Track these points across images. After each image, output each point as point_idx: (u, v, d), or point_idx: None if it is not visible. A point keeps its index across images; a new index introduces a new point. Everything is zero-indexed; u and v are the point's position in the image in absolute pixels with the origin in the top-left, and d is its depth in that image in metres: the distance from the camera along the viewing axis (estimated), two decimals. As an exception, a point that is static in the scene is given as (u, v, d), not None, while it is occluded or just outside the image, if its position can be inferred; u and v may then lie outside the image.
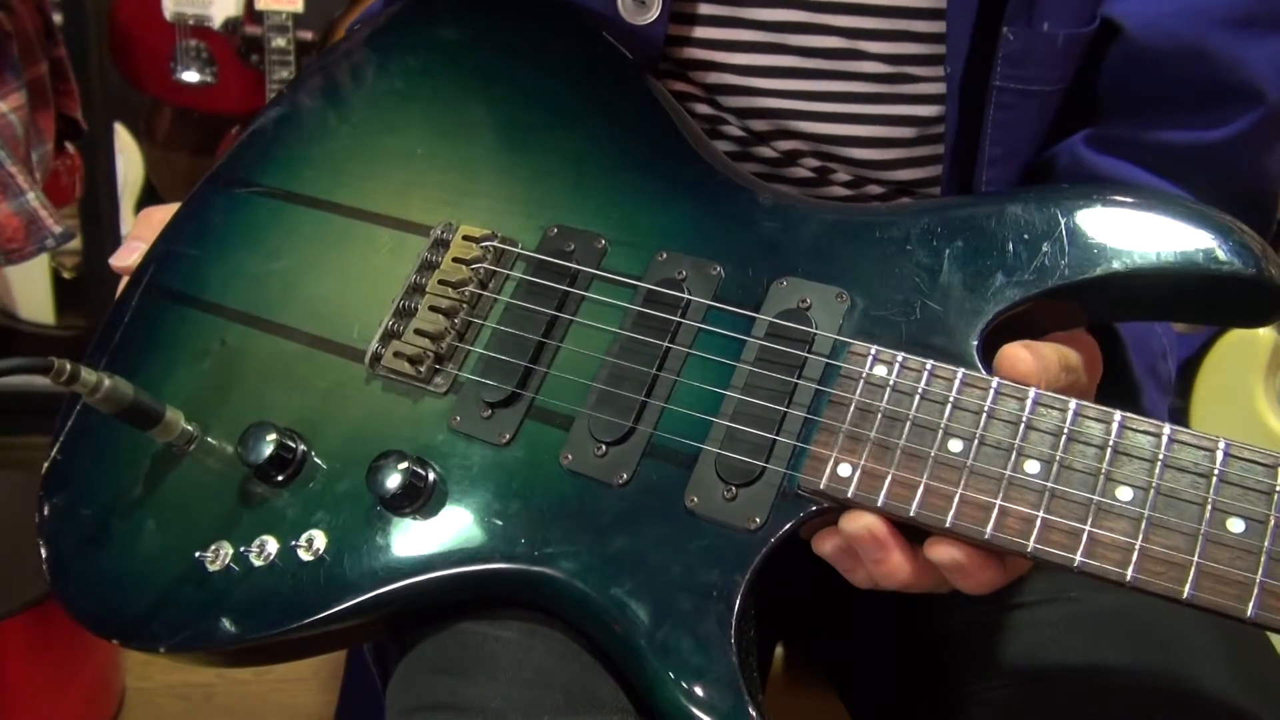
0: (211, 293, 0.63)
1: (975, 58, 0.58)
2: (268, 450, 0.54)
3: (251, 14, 1.99)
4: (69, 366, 0.51)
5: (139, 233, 0.67)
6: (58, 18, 1.57)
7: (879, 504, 0.45)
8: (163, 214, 0.67)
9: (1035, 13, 0.56)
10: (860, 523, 0.45)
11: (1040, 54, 0.57)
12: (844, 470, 0.46)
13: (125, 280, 0.66)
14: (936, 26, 0.60)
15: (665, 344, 0.52)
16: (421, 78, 0.66)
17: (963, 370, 0.46)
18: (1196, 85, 0.57)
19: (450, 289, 0.57)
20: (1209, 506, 0.41)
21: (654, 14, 0.61)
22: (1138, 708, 0.51)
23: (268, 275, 0.62)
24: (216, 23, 2.01)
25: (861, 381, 0.48)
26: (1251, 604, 0.39)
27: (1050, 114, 0.60)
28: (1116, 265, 0.46)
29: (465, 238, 0.59)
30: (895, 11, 0.60)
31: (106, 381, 0.53)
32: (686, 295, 0.53)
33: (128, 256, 0.66)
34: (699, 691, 0.45)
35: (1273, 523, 0.40)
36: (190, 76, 2.06)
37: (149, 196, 2.11)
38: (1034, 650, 0.56)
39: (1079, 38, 0.57)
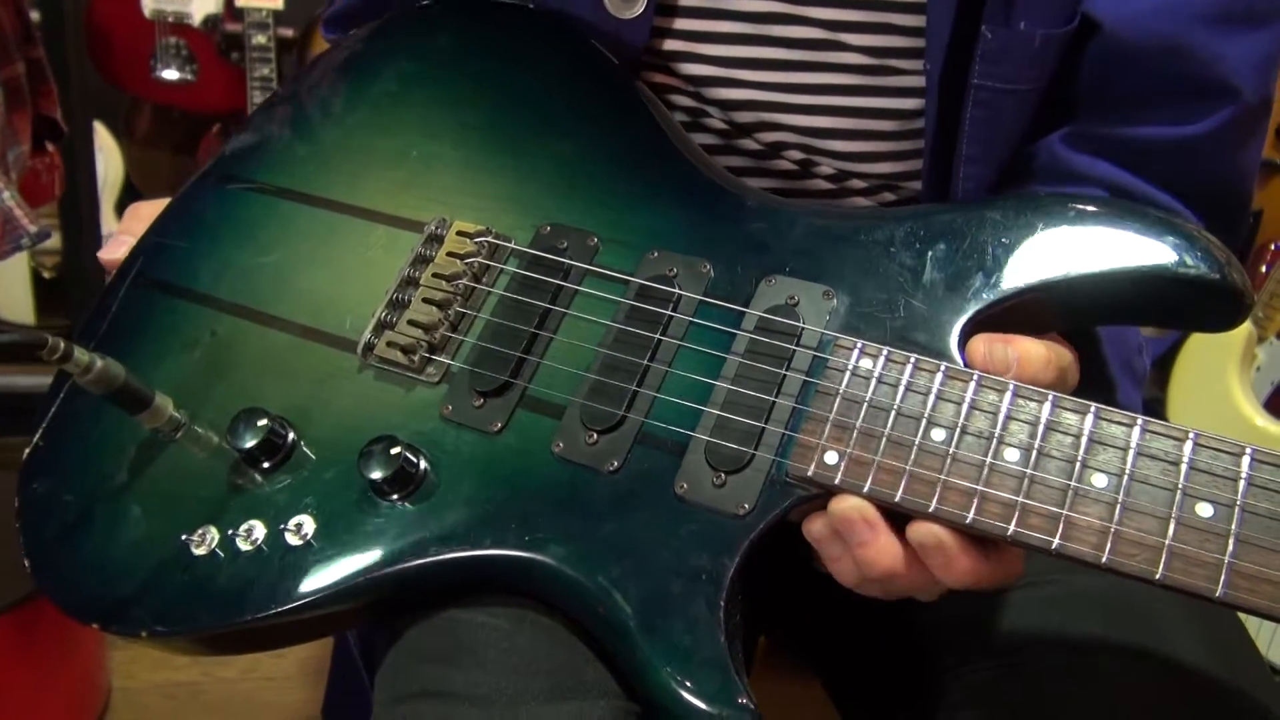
0: (202, 284, 0.63)
1: (954, 54, 0.59)
2: (258, 435, 0.54)
3: (231, 11, 1.99)
4: (63, 344, 0.51)
5: (127, 227, 0.67)
6: (35, 15, 1.56)
7: (865, 490, 0.46)
8: (151, 209, 0.67)
9: (1013, 12, 0.57)
10: (849, 503, 0.46)
11: (1018, 53, 0.58)
12: (831, 458, 0.47)
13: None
14: (918, 20, 0.61)
15: (657, 336, 0.54)
16: (416, 82, 0.67)
17: (945, 363, 0.48)
18: (1174, 82, 0.58)
19: (444, 282, 0.58)
20: (1179, 492, 0.43)
21: (639, 7, 0.62)
22: (1115, 683, 0.53)
23: (259, 268, 0.63)
24: (196, 20, 2.00)
25: (848, 373, 0.49)
26: (1220, 584, 0.41)
27: (1027, 113, 0.61)
28: (1089, 269, 0.49)
29: (459, 233, 0.59)
30: (876, 3, 0.61)
31: (99, 362, 0.53)
32: (678, 291, 0.55)
33: (116, 250, 0.66)
34: (687, 673, 0.46)
35: (1239, 507, 0.42)
36: (170, 74, 2.06)
37: (129, 195, 2.10)
38: (1014, 632, 0.57)
39: (1056, 38, 0.58)
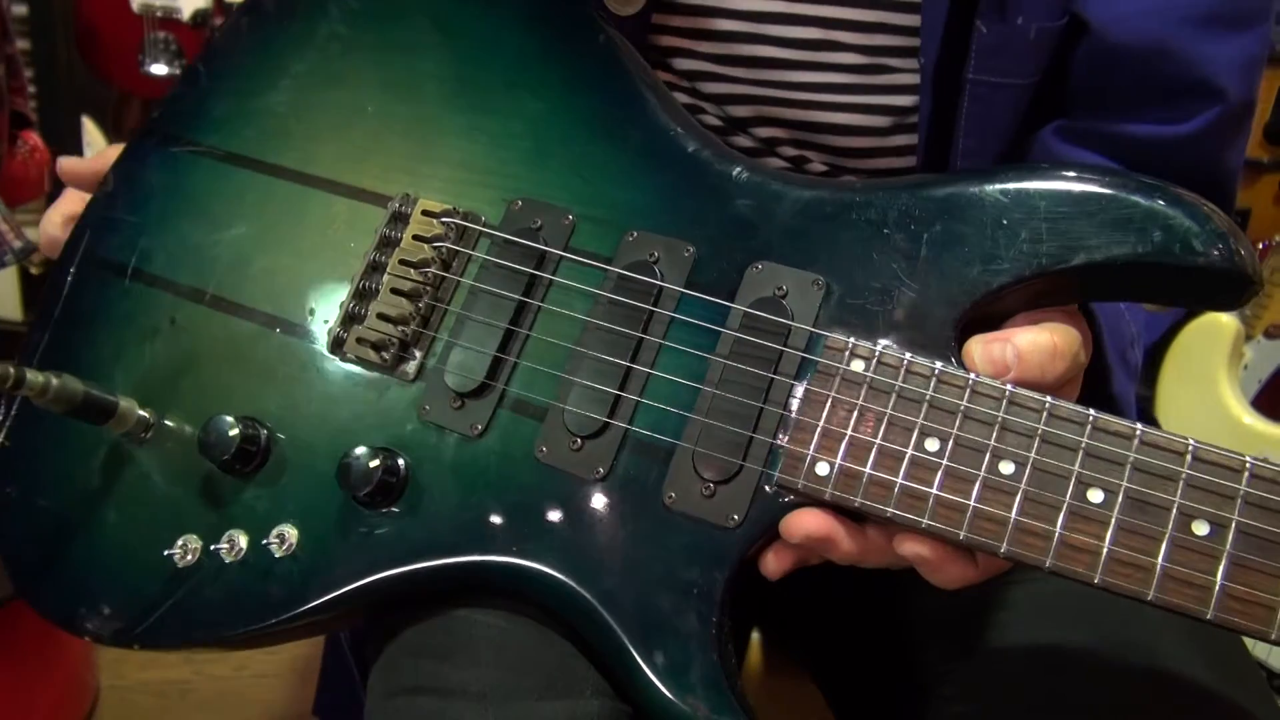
0: (155, 265, 0.59)
1: (949, 50, 0.59)
2: (231, 445, 0.52)
3: (221, 6, 1.97)
4: (13, 371, 0.50)
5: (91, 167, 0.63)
6: (23, 9, 1.54)
7: (857, 504, 0.45)
8: (114, 153, 0.64)
9: (1008, 6, 0.57)
10: (801, 531, 0.46)
11: (1013, 47, 0.58)
12: (822, 469, 0.46)
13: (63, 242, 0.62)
14: (912, 19, 0.61)
15: (638, 334, 0.51)
16: (368, 22, 0.62)
17: (939, 367, 0.46)
18: (1160, 81, 0.58)
19: (412, 269, 0.55)
20: (1175, 510, 0.41)
21: (639, 4, 0.61)
22: (1104, 682, 0.52)
23: (214, 246, 0.59)
24: (185, 15, 1.98)
25: (838, 378, 0.47)
26: (1212, 606, 0.40)
27: (1022, 107, 0.61)
28: (1096, 254, 0.46)
29: (425, 213, 0.56)
30: (872, 2, 0.61)
31: (54, 381, 0.51)
32: (659, 281, 0.52)
33: (60, 206, 0.63)
34: (683, 687, 0.45)
35: (1234, 527, 0.40)
36: (159, 69, 2.03)
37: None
38: (1004, 630, 0.57)
39: (1050, 31, 0.58)
